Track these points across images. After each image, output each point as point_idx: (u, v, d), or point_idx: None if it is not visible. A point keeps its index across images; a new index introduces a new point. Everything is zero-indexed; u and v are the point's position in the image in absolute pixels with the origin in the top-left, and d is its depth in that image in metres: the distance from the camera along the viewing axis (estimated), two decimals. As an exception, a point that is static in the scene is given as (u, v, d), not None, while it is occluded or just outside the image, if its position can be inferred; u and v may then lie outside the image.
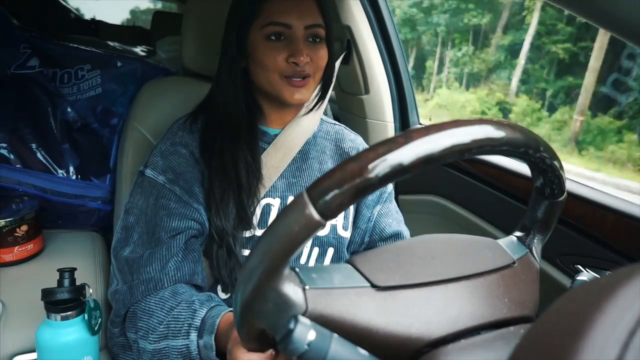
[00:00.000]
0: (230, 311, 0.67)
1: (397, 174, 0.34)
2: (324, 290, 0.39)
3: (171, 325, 0.68)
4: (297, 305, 0.38)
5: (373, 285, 0.40)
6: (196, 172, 0.81)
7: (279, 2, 0.76)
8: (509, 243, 0.51)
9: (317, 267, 0.41)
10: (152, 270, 0.74)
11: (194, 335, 0.66)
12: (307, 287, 0.38)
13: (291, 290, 0.38)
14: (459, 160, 0.38)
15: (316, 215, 0.33)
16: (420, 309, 0.41)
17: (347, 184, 0.33)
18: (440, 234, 0.49)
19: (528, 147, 0.41)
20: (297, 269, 0.40)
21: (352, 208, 0.94)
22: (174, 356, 0.67)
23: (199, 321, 0.66)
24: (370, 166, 0.33)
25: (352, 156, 0.35)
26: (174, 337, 0.67)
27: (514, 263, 0.48)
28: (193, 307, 0.68)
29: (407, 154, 0.34)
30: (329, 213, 0.34)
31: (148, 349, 0.70)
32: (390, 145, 0.34)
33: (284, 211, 0.35)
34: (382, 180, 0.34)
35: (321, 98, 0.89)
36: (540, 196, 0.50)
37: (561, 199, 0.49)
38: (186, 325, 0.67)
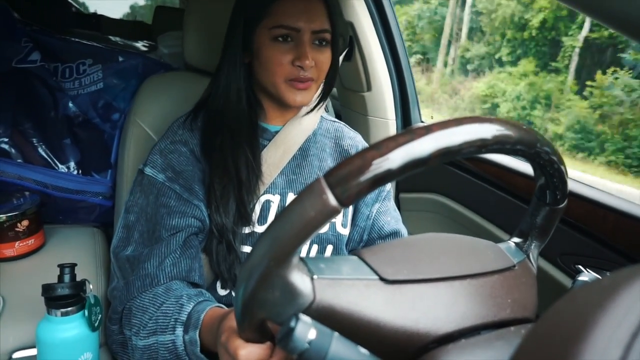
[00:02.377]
0: (218, 306, 0.66)
1: (417, 165, 0.34)
2: (332, 281, 0.39)
3: (159, 321, 0.67)
4: (304, 294, 0.37)
5: (381, 278, 0.40)
6: (196, 170, 0.81)
7: (289, 4, 0.76)
8: (507, 248, 0.51)
9: (325, 257, 0.41)
10: (150, 267, 0.73)
11: (179, 330, 0.64)
12: (315, 276, 0.38)
13: (299, 279, 0.37)
14: (474, 155, 0.38)
15: (334, 201, 0.33)
16: (428, 304, 0.41)
17: (367, 171, 0.33)
18: (443, 233, 0.49)
19: (539, 149, 0.41)
20: (305, 258, 0.39)
21: (351, 206, 0.94)
22: (162, 352, 0.66)
23: (185, 316, 0.65)
24: (390, 155, 0.33)
25: (372, 144, 0.35)
26: (162, 333, 0.66)
27: (514, 266, 0.48)
28: (180, 302, 0.67)
29: (427, 145, 0.34)
30: (347, 200, 0.33)
31: (139, 346, 0.69)
32: (411, 135, 0.34)
33: (298, 197, 0.34)
34: (402, 170, 0.33)
35: (323, 99, 0.89)
36: (542, 202, 0.50)
37: (562, 205, 0.49)
38: (173, 320, 0.66)
